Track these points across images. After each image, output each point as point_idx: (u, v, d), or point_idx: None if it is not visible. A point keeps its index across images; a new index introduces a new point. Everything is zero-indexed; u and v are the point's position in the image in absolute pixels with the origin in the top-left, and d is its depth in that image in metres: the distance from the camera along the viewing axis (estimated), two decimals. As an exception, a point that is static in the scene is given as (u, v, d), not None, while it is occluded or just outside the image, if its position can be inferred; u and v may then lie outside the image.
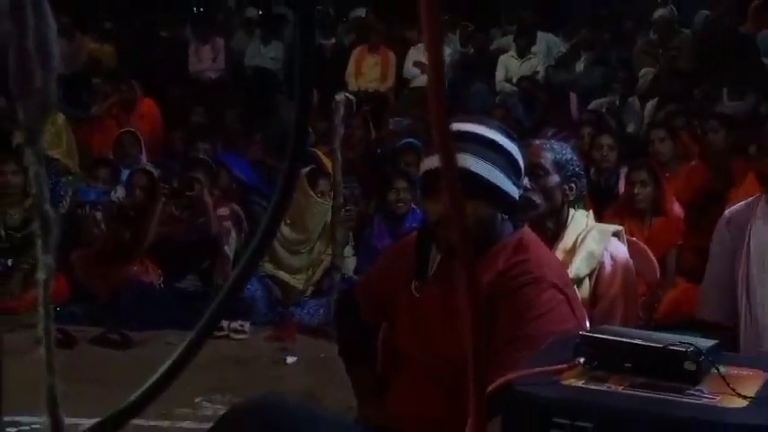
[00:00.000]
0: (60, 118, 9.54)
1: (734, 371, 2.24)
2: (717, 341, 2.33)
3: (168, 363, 0.81)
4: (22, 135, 0.73)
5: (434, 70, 0.80)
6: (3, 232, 7.51)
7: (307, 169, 7.39)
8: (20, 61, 0.70)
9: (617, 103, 10.61)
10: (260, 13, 14.07)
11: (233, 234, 7.59)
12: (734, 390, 2.14)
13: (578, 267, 3.89)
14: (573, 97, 10.30)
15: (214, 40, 13.03)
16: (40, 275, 0.81)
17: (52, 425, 0.79)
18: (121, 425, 0.81)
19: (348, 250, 7.32)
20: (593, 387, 2.21)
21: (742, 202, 4.17)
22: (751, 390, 2.15)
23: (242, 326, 7.02)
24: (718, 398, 2.13)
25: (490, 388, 2.24)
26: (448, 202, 0.92)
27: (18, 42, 0.69)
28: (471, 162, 3.06)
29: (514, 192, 3.23)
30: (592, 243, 3.95)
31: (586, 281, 3.90)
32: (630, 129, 9.87)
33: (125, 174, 8.57)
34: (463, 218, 1.00)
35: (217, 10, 13.50)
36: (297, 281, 7.46)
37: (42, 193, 0.77)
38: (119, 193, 8.35)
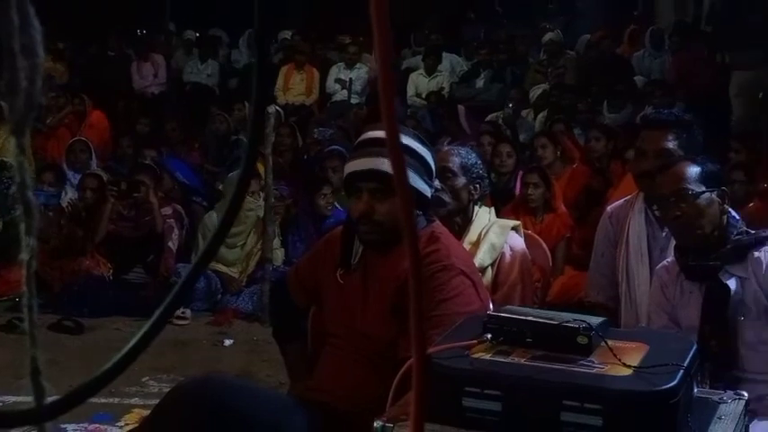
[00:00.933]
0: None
1: (620, 344, 2.25)
2: (605, 318, 2.35)
3: (125, 349, 0.80)
4: (10, 129, 0.72)
5: (386, 83, 0.80)
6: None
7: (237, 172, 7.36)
8: (7, 61, 0.69)
9: (512, 114, 10.67)
10: (197, 34, 13.97)
11: (175, 230, 7.54)
12: (620, 360, 2.16)
13: (482, 257, 3.91)
14: (461, 110, 10.32)
15: (154, 59, 13.01)
16: (24, 256, 0.79)
17: (35, 391, 0.77)
18: (80, 402, 0.79)
19: (276, 243, 7.30)
20: (499, 359, 2.21)
21: (621, 200, 4.23)
22: (635, 360, 2.17)
23: (183, 313, 6.95)
24: (606, 367, 2.15)
25: (408, 363, 2.25)
26: (400, 201, 0.91)
27: (6, 43, 0.68)
28: (388, 165, 3.06)
29: (427, 191, 3.28)
30: (494, 236, 3.97)
31: (489, 269, 3.92)
32: (523, 138, 9.93)
33: (77, 178, 8.46)
34: (413, 213, 1.00)
35: (158, 31, 13.36)
36: (233, 272, 7.42)
37: (25, 181, 0.75)
38: (69, 194, 8.29)
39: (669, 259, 3.50)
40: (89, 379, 0.79)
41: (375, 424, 2.22)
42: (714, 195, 3.32)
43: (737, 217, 3.48)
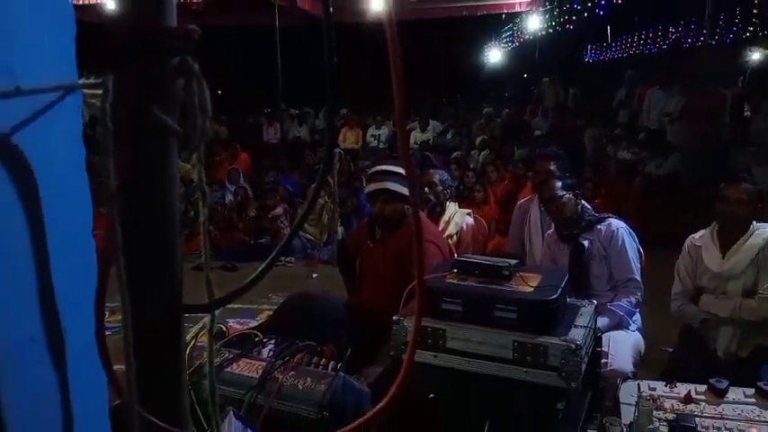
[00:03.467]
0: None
1: (526, 274, 2.22)
2: (518, 261, 2.33)
3: (252, 276, 0.79)
4: (189, 149, 0.71)
5: (402, 135, 0.79)
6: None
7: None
8: (190, 113, 0.68)
9: (466, 154, 10.60)
10: (297, 111, 13.98)
11: (283, 220, 7.55)
12: (526, 283, 2.15)
13: (451, 230, 3.90)
14: (431, 155, 10.21)
15: (275, 124, 12.94)
16: (201, 219, 0.78)
17: (208, 293, 0.76)
18: (223, 305, 0.79)
19: (339, 223, 7.29)
20: (460, 282, 2.20)
21: (526, 198, 4.20)
22: (534, 283, 2.15)
23: (290, 260, 6.97)
24: (519, 287, 2.14)
25: (410, 286, 2.25)
26: (412, 202, 0.90)
27: (189, 101, 0.67)
28: (391, 185, 3.20)
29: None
30: (457, 218, 3.97)
31: (455, 237, 3.92)
32: (472, 166, 9.86)
33: (233, 188, 8.48)
34: (418, 207, 0.99)
35: (276, 109, 13.36)
36: (315, 238, 7.41)
37: (202, 178, 0.74)
38: (229, 197, 8.28)
39: (551, 231, 3.49)
40: (233, 290, 0.79)
41: (394, 318, 2.22)
42: (571, 195, 3.32)
43: (588, 207, 3.46)
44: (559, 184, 3.34)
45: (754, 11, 14.53)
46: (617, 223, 3.29)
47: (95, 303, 0.70)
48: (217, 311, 0.80)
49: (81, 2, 10.08)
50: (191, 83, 0.65)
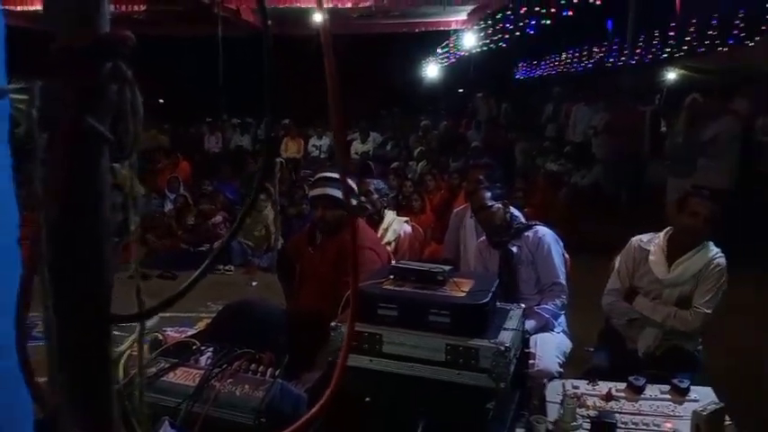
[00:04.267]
0: (128, 171, 9.14)
1: (459, 279, 2.24)
2: (452, 267, 2.35)
3: (184, 285, 0.77)
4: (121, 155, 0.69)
5: (339, 146, 0.79)
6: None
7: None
8: (122, 117, 0.66)
9: (404, 164, 10.68)
10: (239, 120, 13.78)
11: (224, 228, 7.40)
12: (459, 288, 2.17)
13: (389, 236, 3.93)
14: (371, 164, 10.24)
15: (216, 133, 12.74)
16: (132, 227, 0.75)
17: (138, 303, 0.74)
18: (153, 314, 0.76)
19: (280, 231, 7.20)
20: (396, 288, 2.19)
21: (462, 206, 4.26)
22: (467, 288, 2.18)
23: (229, 267, 6.85)
24: (452, 292, 2.16)
25: (348, 292, 2.24)
26: (347, 210, 0.89)
27: (123, 107, 0.65)
28: (332, 191, 3.19)
29: (353, 203, 3.35)
30: (395, 225, 4.00)
31: (393, 243, 3.94)
32: (411, 176, 9.92)
33: (172, 196, 8.28)
34: (354, 215, 0.99)
35: (217, 118, 13.13)
36: (256, 246, 7.29)
37: (134, 186, 0.72)
38: (169, 205, 8.10)
39: (483, 238, 3.54)
40: (164, 300, 0.77)
41: (332, 324, 2.20)
42: (500, 205, 3.38)
43: (517, 214, 3.54)
44: (489, 194, 3.41)
45: (671, 33, 15.24)
46: (543, 230, 3.37)
47: (17, 313, 0.67)
48: (152, 321, 0.78)
49: (14, 8, 9.66)
50: (123, 89, 0.64)
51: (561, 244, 3.41)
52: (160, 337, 2.68)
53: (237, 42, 11.12)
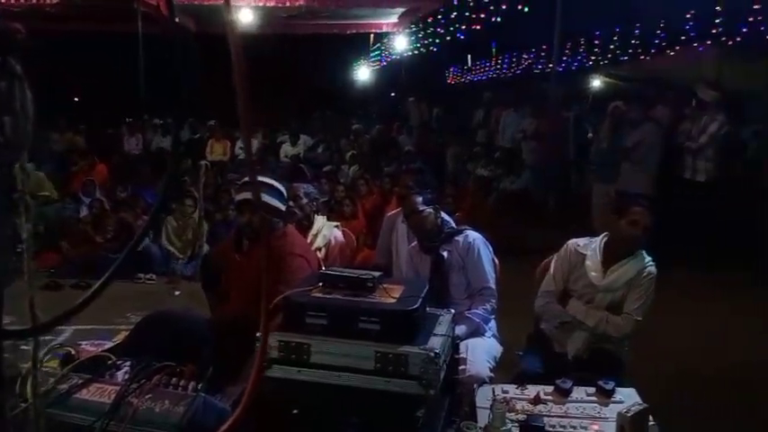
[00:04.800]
0: (41, 174, 8.67)
1: (389, 286, 2.24)
2: (381, 272, 2.35)
3: (83, 297, 0.73)
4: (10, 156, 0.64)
5: (248, 147, 0.76)
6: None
7: (185, 196, 7.15)
8: (10, 116, 0.62)
9: (336, 169, 10.65)
10: (161, 121, 13.38)
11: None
12: (389, 294, 2.17)
13: (319, 242, 3.90)
14: (304, 167, 10.16)
15: (137, 134, 12.36)
16: (24, 235, 0.71)
17: (32, 317, 0.69)
18: (48, 330, 0.71)
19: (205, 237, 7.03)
20: (325, 296, 2.18)
21: (394, 211, 4.27)
22: (397, 294, 2.18)
23: (151, 276, 6.63)
24: (382, 298, 2.16)
25: (276, 300, 2.20)
26: (258, 216, 0.87)
27: (10, 105, 0.61)
28: (263, 196, 3.10)
29: (283, 207, 3.30)
30: (326, 230, 3.97)
31: (323, 249, 3.91)
32: (343, 180, 9.90)
33: (88, 200, 7.93)
34: (266, 223, 0.96)
35: (138, 119, 12.70)
36: (180, 253, 7.09)
37: (24, 188, 0.67)
38: (84, 211, 7.75)
39: (414, 243, 3.56)
40: (59, 314, 0.72)
41: (258, 334, 2.15)
42: (431, 209, 3.41)
43: (448, 219, 3.58)
44: (420, 198, 3.43)
45: (596, 42, 15.87)
46: (473, 235, 3.42)
47: None
48: (65, 334, 0.73)
49: None
50: (12, 86, 0.59)
51: (491, 248, 3.47)
52: (72, 352, 2.56)
53: (158, 39, 10.80)
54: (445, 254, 3.36)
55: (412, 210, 3.42)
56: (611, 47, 15.08)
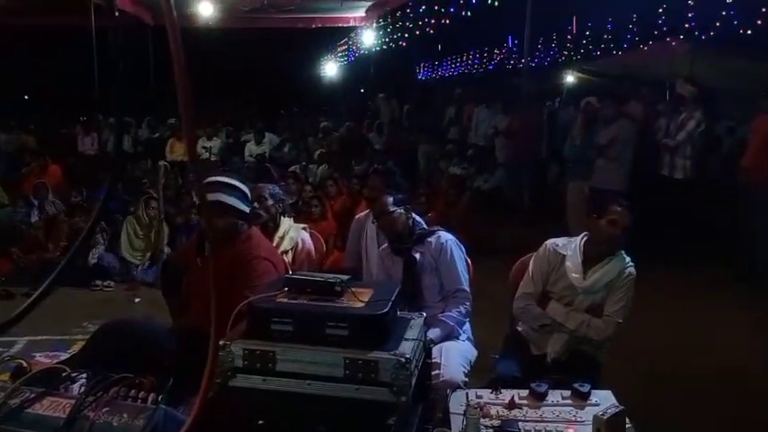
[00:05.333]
0: None
1: (358, 289, 2.22)
2: (350, 276, 2.34)
3: (22, 307, 0.71)
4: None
5: (191, 147, 0.75)
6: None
7: (144, 198, 7.02)
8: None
9: (304, 168, 10.61)
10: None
11: (102, 240, 6.98)
12: (358, 298, 2.17)
13: (285, 245, 3.87)
14: (270, 167, 10.08)
15: (92, 134, 12.14)
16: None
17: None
18: None
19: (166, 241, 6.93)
20: (291, 301, 2.17)
21: (364, 212, 4.27)
22: (366, 298, 2.17)
23: (109, 283, 6.52)
24: (350, 303, 2.15)
25: (240, 306, 2.18)
26: (204, 221, 0.86)
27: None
28: (223, 197, 3.13)
29: (247, 209, 3.27)
30: (292, 233, 3.94)
31: (290, 252, 3.89)
32: (312, 180, 9.86)
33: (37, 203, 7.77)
34: (213, 230, 0.95)
35: (92, 118, 12.49)
36: (139, 258, 6.96)
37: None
38: (35, 216, 7.58)
39: (385, 245, 3.57)
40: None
41: (220, 342, 2.13)
42: (402, 210, 3.42)
43: (419, 220, 3.59)
44: (391, 199, 3.44)
45: (569, 36, 16.09)
46: (446, 236, 3.44)
47: None
48: (18, 345, 0.71)
49: None
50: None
51: (463, 249, 3.49)
52: (24, 364, 2.50)
53: (114, 35, 10.62)
54: (417, 256, 3.37)
55: (382, 211, 3.43)
56: (584, 42, 15.31)
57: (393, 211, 3.40)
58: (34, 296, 0.68)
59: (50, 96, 15.59)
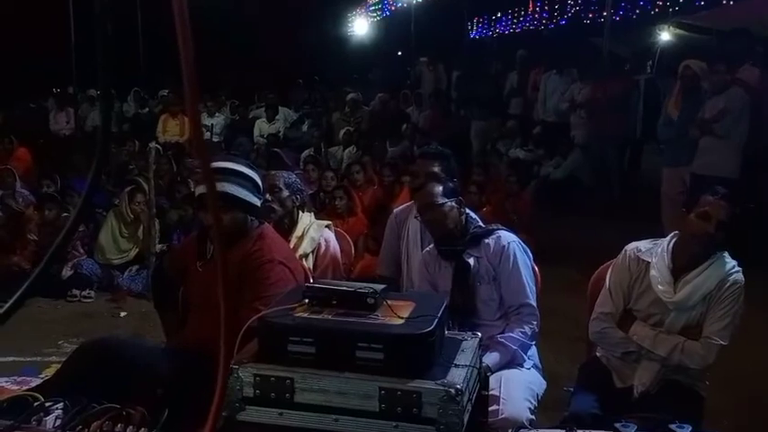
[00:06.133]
0: None
1: (396, 302, 2.25)
2: (386, 285, 2.36)
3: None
4: None
5: (195, 128, 0.77)
6: None
7: (128, 189, 7.13)
8: None
9: (325, 151, 10.68)
10: (97, 92, 13.43)
11: (80, 241, 7.14)
12: (396, 313, 2.18)
13: (305, 247, 3.91)
14: (282, 152, 10.15)
15: (67, 110, 12.46)
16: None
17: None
18: None
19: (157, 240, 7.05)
20: (313, 316, 2.19)
21: (403, 206, 4.30)
22: (405, 313, 2.19)
23: (89, 293, 6.65)
24: (386, 318, 2.16)
25: (250, 321, 2.22)
26: (211, 215, 0.89)
27: None
28: (228, 187, 3.15)
29: (257, 202, 3.31)
30: (313, 232, 3.98)
31: (311, 255, 3.93)
32: (333, 165, 9.93)
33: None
34: (220, 225, 0.97)
35: (67, 88, 12.77)
36: (121, 260, 7.08)
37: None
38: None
39: (430, 246, 3.57)
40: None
41: (231, 365, 2.17)
42: (454, 203, 3.42)
43: (474, 216, 3.59)
44: (440, 188, 3.44)
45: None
46: (508, 236, 3.43)
47: None
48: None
49: None
50: None
51: (530, 254, 3.47)
52: (-12, 392, 2.59)
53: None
54: (471, 261, 3.37)
55: (429, 203, 3.42)
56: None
57: (443, 204, 3.39)
58: (6, 308, 0.71)
59: (18, 67, 15.92)
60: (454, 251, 3.41)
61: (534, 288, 3.44)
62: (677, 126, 7.29)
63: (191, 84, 0.63)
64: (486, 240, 3.41)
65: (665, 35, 15.07)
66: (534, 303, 3.38)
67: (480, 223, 3.58)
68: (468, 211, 3.55)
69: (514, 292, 3.35)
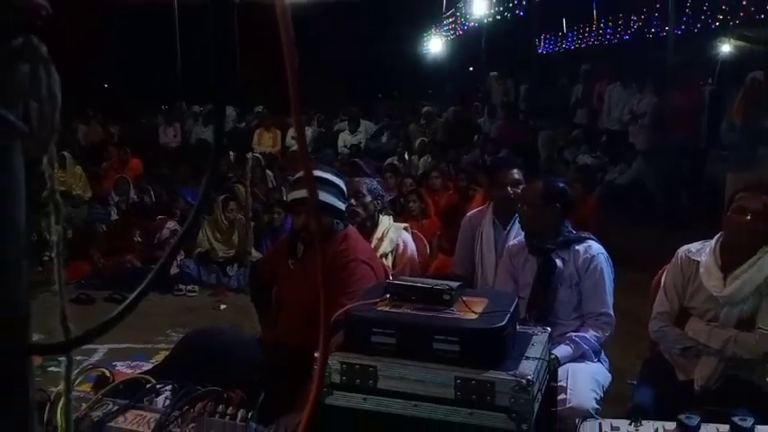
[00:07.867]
0: (79, 169, 9.36)
1: (470, 299, 2.24)
2: (461, 283, 2.35)
3: (116, 311, 0.75)
4: (37, 149, 0.66)
5: (300, 137, 0.78)
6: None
7: (222, 197, 7.30)
8: (38, 104, 0.64)
9: (403, 159, 10.70)
10: (201, 108, 13.77)
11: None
12: (470, 309, 2.17)
13: (385, 247, 3.93)
14: (361, 161, 10.20)
15: (174, 124, 12.81)
16: (54, 238, 0.73)
17: (63, 331, 0.72)
18: (81, 345, 0.74)
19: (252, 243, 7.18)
20: (394, 310, 2.20)
21: (477, 209, 4.27)
22: (479, 308, 2.18)
23: (194, 288, 6.84)
24: (461, 313, 2.16)
25: (336, 315, 2.24)
26: (313, 219, 0.89)
27: (36, 92, 0.63)
28: (319, 193, 3.15)
29: (342, 207, 3.32)
30: (392, 233, 4.00)
31: (390, 254, 3.95)
32: (411, 173, 9.91)
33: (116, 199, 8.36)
34: (320, 226, 0.98)
35: (175, 107, 13.14)
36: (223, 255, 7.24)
37: (54, 186, 0.70)
38: (115, 214, 8.11)
39: (518, 239, 3.53)
40: (92, 328, 0.74)
41: (315, 354, 2.19)
42: (559, 205, 3.36)
43: (571, 230, 3.52)
44: (547, 189, 3.38)
45: (723, -3, 15.31)
46: (598, 247, 3.33)
47: None
48: (99, 354, 0.76)
49: None
50: (37, 69, 0.62)
51: (612, 266, 3.39)
52: (107, 374, 2.67)
53: (199, 14, 11.12)
54: (558, 262, 3.30)
55: (530, 202, 3.37)
56: (744, 2, 14.51)
57: (548, 205, 3.34)
58: (125, 304, 0.72)
59: (132, 85, 16.47)
60: (544, 249, 3.36)
61: (612, 299, 3.36)
62: (741, 131, 7.04)
63: (295, 98, 0.64)
64: (577, 247, 3.33)
65: (725, 47, 14.57)
66: (612, 314, 3.32)
67: (571, 229, 3.50)
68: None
69: (596, 301, 3.29)
